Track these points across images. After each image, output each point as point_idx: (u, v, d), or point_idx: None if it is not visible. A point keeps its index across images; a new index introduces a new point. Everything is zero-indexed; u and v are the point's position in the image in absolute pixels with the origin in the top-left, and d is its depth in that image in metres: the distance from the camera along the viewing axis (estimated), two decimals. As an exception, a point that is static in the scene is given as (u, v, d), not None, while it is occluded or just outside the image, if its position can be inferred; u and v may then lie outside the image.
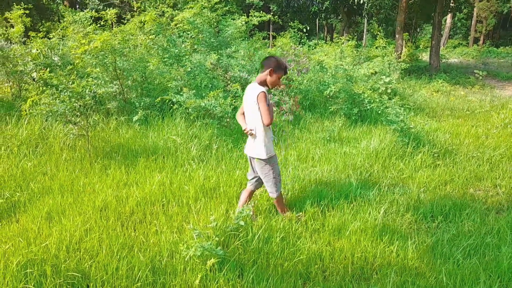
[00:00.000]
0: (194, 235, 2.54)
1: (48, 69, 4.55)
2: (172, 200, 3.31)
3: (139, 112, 5.22)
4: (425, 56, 20.19)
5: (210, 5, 7.55)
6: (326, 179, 3.82)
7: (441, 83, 10.17)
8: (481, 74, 10.93)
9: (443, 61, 16.23)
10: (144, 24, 7.11)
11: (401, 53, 13.01)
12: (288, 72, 2.82)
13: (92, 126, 4.67)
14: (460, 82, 11.63)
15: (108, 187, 3.55)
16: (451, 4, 15.21)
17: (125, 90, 5.88)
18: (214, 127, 5.14)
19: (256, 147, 2.79)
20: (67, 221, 2.93)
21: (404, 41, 16.27)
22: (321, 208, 3.18)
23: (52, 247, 2.56)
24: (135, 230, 2.87)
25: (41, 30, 9.18)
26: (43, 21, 16.29)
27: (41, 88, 4.92)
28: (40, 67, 5.97)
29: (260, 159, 2.80)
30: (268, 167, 2.84)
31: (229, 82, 6.74)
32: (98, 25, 6.95)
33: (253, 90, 2.71)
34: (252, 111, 2.72)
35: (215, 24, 7.72)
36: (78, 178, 3.77)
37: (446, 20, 28.61)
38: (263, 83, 2.76)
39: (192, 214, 3.08)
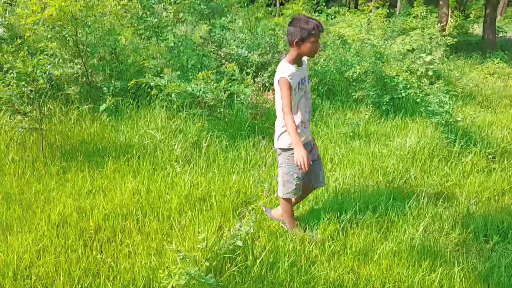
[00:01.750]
0: (178, 259, 2.53)
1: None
2: (149, 213, 3.30)
3: (108, 100, 5.23)
4: (477, 29, 20.12)
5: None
6: (349, 187, 3.82)
7: (497, 63, 10.13)
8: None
9: (500, 35, 16.14)
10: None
11: (446, 25, 12.96)
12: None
13: (47, 117, 4.66)
14: (522, 62, 11.61)
15: (67, 196, 3.55)
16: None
17: (90, 71, 5.86)
18: (204, 119, 5.12)
19: (276, 135, 2.96)
20: (15, 239, 2.92)
21: (450, 9, 16.23)
22: (342, 224, 3.18)
23: (-6, 273, 2.56)
24: (101, 252, 2.86)
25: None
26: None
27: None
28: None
29: (276, 148, 2.98)
30: (281, 159, 2.95)
31: (223, 61, 6.73)
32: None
33: (277, 72, 2.81)
34: (277, 94, 2.84)
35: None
36: (29, 184, 3.76)
37: (504, -18, 28.53)
38: (294, 59, 2.79)
39: (175, 232, 3.07)
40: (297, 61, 2.79)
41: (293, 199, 3.14)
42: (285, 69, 2.73)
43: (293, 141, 2.62)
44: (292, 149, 2.79)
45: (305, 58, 2.95)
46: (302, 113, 2.85)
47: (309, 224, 3.21)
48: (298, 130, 2.76)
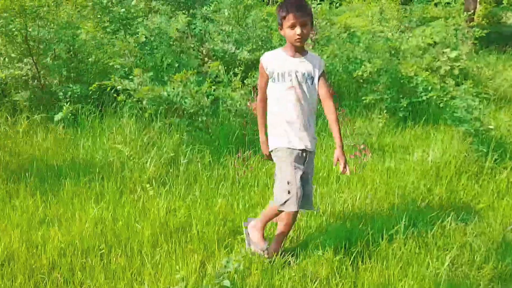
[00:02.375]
0: (151, 303, 2.51)
1: None
2: (116, 247, 3.28)
3: (64, 107, 5.23)
4: (511, 18, 20.37)
5: None
6: (360, 211, 3.83)
7: (538, 59, 10.26)
8: None
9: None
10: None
11: (474, 13, 13.13)
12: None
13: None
14: None
15: (14, 226, 3.51)
16: None
17: (42, 72, 5.86)
18: (183, 129, 5.14)
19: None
20: None
21: (479, -5, 16.43)
22: (352, 257, 3.17)
23: None
24: (56, 296, 2.83)
25: None
26: None
27: None
28: None
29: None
30: (277, 163, 3.03)
31: (206, 59, 6.76)
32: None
33: None
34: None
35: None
36: (-33, 212, 3.72)
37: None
38: (289, 47, 2.98)
39: (147, 269, 3.05)
40: (293, 50, 2.94)
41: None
42: (266, 53, 3.03)
43: (260, 127, 3.15)
44: (280, 150, 2.98)
45: (314, 55, 3.06)
46: (290, 112, 2.92)
47: (310, 257, 3.19)
48: (280, 129, 2.96)
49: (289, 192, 2.87)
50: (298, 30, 2.81)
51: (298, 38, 2.83)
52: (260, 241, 3.19)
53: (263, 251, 3.14)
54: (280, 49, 2.99)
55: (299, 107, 2.92)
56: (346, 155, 2.97)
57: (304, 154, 2.96)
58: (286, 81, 2.89)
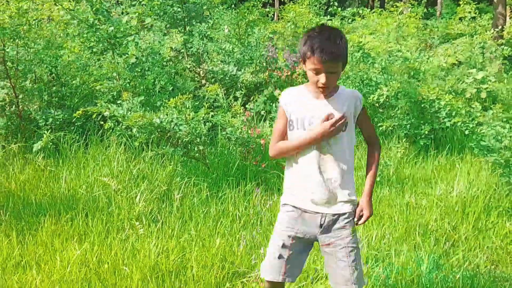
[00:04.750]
0: None
1: None
2: (100, 293, 3.26)
3: (45, 136, 5.22)
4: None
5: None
6: (376, 252, 3.82)
7: None
8: None
9: None
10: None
11: (503, 29, 13.25)
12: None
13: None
14: None
15: (-14, 270, 3.50)
16: None
17: (21, 96, 5.92)
18: (177, 160, 5.16)
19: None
20: None
21: (508, 8, 16.59)
22: (368, 305, 3.16)
23: None
24: None
25: None
26: None
27: None
28: None
29: None
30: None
31: (203, 81, 6.83)
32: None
33: None
34: None
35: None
36: None
37: None
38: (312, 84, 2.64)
39: (136, 319, 3.04)
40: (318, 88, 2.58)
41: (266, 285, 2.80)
42: (288, 90, 2.71)
43: (301, 140, 2.56)
44: (283, 205, 2.71)
45: (347, 91, 2.65)
46: (306, 170, 2.60)
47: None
48: (286, 189, 2.71)
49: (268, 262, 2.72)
50: (322, 79, 2.45)
51: (322, 88, 2.50)
52: None
53: None
54: (303, 86, 2.66)
55: (321, 169, 2.57)
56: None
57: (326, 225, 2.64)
58: (306, 130, 2.56)
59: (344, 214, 2.59)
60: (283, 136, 2.67)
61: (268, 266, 2.65)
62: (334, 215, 2.58)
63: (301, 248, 2.64)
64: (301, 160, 2.60)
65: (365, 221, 2.64)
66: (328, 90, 2.53)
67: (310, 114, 2.55)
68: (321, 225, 2.59)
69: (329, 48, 2.41)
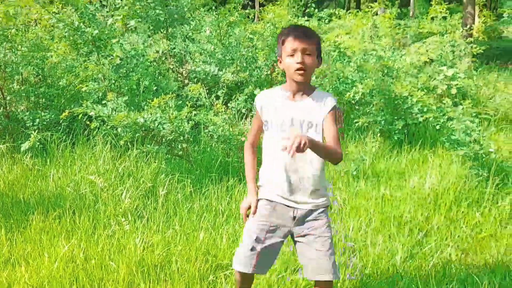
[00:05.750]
0: None
1: None
2: None
3: (32, 136, 5.17)
4: (512, 33, 20.69)
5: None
6: (353, 243, 3.87)
7: (543, 76, 10.45)
8: None
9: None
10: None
11: (471, 28, 13.40)
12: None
13: None
14: None
15: (-24, 266, 3.51)
16: None
17: (8, 98, 5.91)
18: (162, 158, 5.19)
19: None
20: None
21: (477, 8, 16.69)
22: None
23: None
24: None
25: None
26: None
27: None
28: None
29: None
30: None
31: (186, 81, 6.86)
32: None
33: None
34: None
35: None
36: None
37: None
38: (288, 85, 2.66)
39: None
40: (294, 89, 2.61)
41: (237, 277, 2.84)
42: (262, 92, 2.79)
43: (248, 186, 2.76)
44: (257, 200, 2.78)
45: (320, 94, 2.65)
46: (275, 169, 2.64)
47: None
48: (261, 186, 2.77)
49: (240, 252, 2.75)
50: (298, 57, 2.47)
51: (299, 68, 2.47)
52: None
53: None
54: (279, 87, 2.69)
55: (293, 169, 2.61)
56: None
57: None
58: (278, 131, 2.59)
59: (317, 206, 2.64)
60: (260, 133, 2.79)
61: (239, 258, 2.67)
62: (307, 209, 2.64)
63: (274, 242, 2.66)
64: (274, 158, 2.66)
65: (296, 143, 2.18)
66: (306, 76, 2.52)
67: (283, 115, 2.58)
68: (294, 217, 2.63)
69: (302, 28, 2.57)
